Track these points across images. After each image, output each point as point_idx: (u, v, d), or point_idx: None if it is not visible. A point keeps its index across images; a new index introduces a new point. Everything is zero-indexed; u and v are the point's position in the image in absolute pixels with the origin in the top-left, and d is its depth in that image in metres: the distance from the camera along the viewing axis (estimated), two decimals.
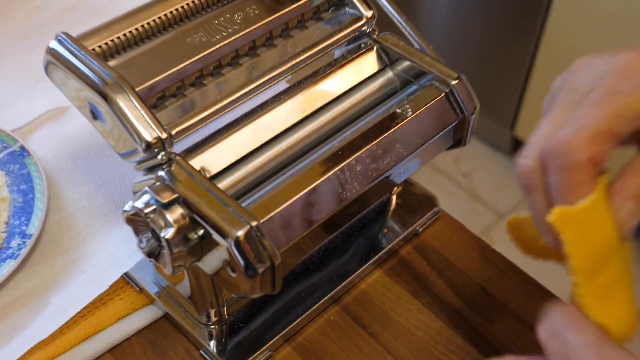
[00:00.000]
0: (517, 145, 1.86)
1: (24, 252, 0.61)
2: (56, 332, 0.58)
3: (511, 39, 1.65)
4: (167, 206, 0.49)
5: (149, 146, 0.50)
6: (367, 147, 0.54)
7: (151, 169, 0.52)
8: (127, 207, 0.51)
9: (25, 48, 0.83)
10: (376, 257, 0.65)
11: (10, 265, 0.60)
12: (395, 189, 0.69)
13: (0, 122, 0.73)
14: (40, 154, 0.69)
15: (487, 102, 1.77)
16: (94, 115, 0.53)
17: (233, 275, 0.49)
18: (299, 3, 0.60)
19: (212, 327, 0.59)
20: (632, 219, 0.43)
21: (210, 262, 0.51)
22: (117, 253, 0.63)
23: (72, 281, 0.61)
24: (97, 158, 0.70)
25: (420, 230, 0.68)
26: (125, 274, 0.62)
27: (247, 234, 0.47)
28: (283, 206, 0.50)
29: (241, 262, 0.48)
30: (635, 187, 0.43)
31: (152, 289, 0.61)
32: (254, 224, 0.48)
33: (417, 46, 0.61)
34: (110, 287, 0.61)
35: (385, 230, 0.67)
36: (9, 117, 0.74)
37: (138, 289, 0.62)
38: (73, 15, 0.87)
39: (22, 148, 0.68)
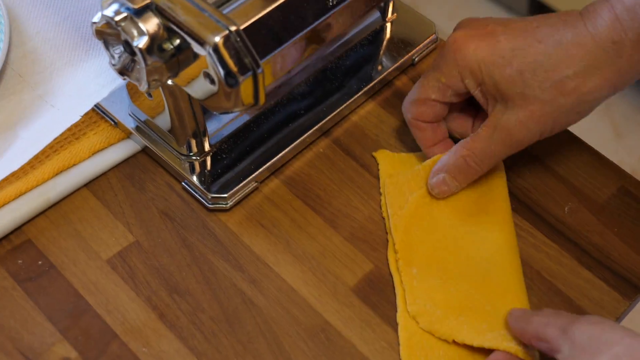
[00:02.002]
0: (535, 5, 1.86)
1: None
2: (26, 167, 0.62)
3: None
4: (140, 13, 0.52)
5: None
6: None
7: None
8: (95, 19, 0.53)
9: None
10: (368, 86, 0.68)
11: None
12: (389, 15, 0.71)
13: None
14: None
15: None
16: None
17: (213, 87, 0.52)
18: None
19: (194, 158, 0.63)
20: (441, 186, 0.61)
21: (188, 78, 0.54)
22: (88, 86, 0.66)
23: (40, 115, 0.64)
24: None
25: (416, 59, 0.71)
26: (97, 106, 0.65)
27: (225, 40, 0.50)
28: (264, 11, 0.53)
29: (221, 70, 0.51)
30: (449, 161, 0.60)
31: (129, 123, 0.65)
32: (233, 28, 0.50)
33: None
34: (83, 121, 0.64)
35: (379, 59, 0.70)
36: None
37: (113, 123, 0.65)
38: None
39: None
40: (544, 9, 1.82)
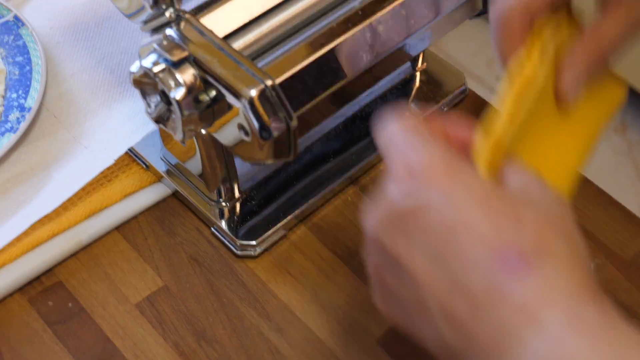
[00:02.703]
0: None
1: (23, 125, 0.65)
2: (59, 209, 0.63)
3: None
4: (177, 65, 0.53)
5: (156, 2, 0.53)
6: (387, 9, 0.57)
7: (159, 29, 0.56)
8: (134, 68, 0.55)
9: None
10: None
11: (9, 139, 0.64)
12: (419, 65, 0.72)
13: None
14: (35, 25, 0.73)
15: None
16: None
17: (247, 139, 0.53)
18: None
19: (224, 204, 0.64)
20: (576, 82, 0.49)
21: (223, 128, 0.55)
22: (122, 128, 0.67)
23: (74, 157, 0.66)
24: (97, 30, 0.73)
25: (446, 109, 0.71)
26: (130, 150, 0.66)
27: (261, 93, 0.51)
28: (299, 66, 0.54)
29: (255, 123, 0.52)
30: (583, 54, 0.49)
31: (160, 166, 0.66)
32: (269, 83, 0.51)
33: None
34: (115, 164, 0.65)
35: (408, 109, 0.70)
36: None
37: (145, 166, 0.66)
38: None
39: (17, 18, 0.71)
40: None
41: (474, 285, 0.39)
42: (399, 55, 0.60)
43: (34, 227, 0.61)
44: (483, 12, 0.63)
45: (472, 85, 1.92)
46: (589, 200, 0.66)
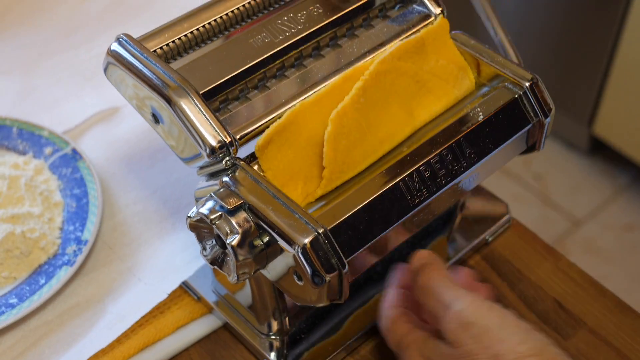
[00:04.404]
0: (595, 144, 1.88)
1: (79, 258, 0.67)
2: (114, 342, 0.64)
3: (590, 23, 1.68)
4: (233, 212, 0.55)
5: (213, 151, 0.56)
6: (436, 152, 0.59)
7: (214, 175, 0.58)
8: (191, 214, 0.57)
9: (72, 44, 0.90)
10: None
11: (67, 272, 0.67)
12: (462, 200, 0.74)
13: (49, 122, 0.80)
14: (92, 157, 0.76)
15: (563, 95, 1.80)
16: (156, 119, 0.59)
17: (299, 283, 0.55)
18: (364, 0, 0.65)
19: (273, 337, 0.65)
20: None
21: (275, 270, 0.57)
22: (174, 260, 0.69)
23: (128, 289, 0.68)
24: (151, 162, 0.76)
25: (489, 239, 0.73)
26: (183, 282, 0.68)
27: (314, 241, 0.53)
28: (350, 213, 0.56)
29: (308, 269, 0.53)
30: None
31: (211, 298, 0.67)
32: (321, 230, 0.53)
33: (495, 39, 0.66)
34: (168, 295, 0.67)
35: (453, 240, 0.72)
36: (58, 118, 0.81)
37: (196, 297, 0.68)
38: (120, 8, 0.93)
39: (74, 151, 0.75)
40: (604, 147, 1.84)
41: None
42: (450, 194, 0.61)
43: None
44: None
45: (508, 183, 1.91)
46: (610, 310, 0.68)
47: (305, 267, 0.53)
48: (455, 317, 0.55)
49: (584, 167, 1.92)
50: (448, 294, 0.56)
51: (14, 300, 0.66)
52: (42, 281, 0.67)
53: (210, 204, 0.56)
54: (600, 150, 1.90)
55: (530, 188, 1.88)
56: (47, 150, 0.75)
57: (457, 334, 0.54)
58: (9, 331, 0.65)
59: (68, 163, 0.74)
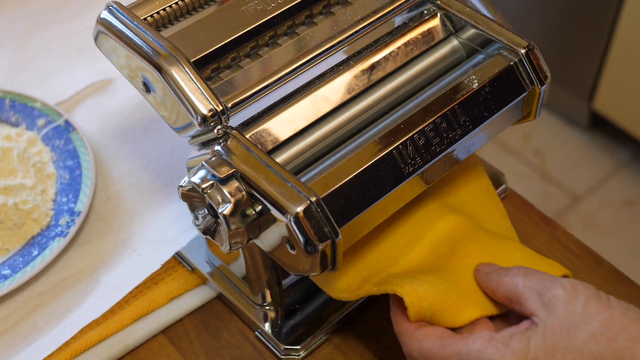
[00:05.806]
0: (595, 120, 1.87)
1: (73, 230, 0.67)
2: (107, 312, 0.64)
3: None
4: (225, 181, 0.54)
5: (205, 120, 0.55)
6: (430, 120, 0.58)
7: (206, 144, 0.58)
8: (183, 183, 0.56)
9: (64, 17, 0.89)
10: None
11: (60, 244, 0.66)
12: None
13: (42, 94, 0.79)
14: (85, 129, 0.75)
15: (562, 70, 1.79)
16: (147, 87, 0.59)
17: (292, 252, 0.54)
18: None
19: (268, 308, 0.65)
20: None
21: (268, 240, 0.56)
22: (168, 231, 0.69)
23: (122, 260, 0.67)
24: (144, 133, 0.75)
25: None
26: (176, 253, 0.68)
27: (306, 210, 0.52)
28: (343, 181, 0.55)
29: (301, 238, 0.53)
30: None
31: (205, 269, 0.67)
32: (313, 199, 0.53)
33: (484, 11, 0.65)
34: (162, 266, 0.67)
35: None
36: (51, 90, 0.80)
37: (190, 268, 0.68)
38: None
39: (67, 122, 0.74)
40: (604, 123, 1.83)
41: None
42: (444, 163, 0.61)
43: (82, 331, 0.63)
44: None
45: (507, 158, 1.91)
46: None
47: (297, 236, 0.53)
48: (569, 283, 0.52)
49: (583, 142, 1.91)
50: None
51: (7, 272, 0.65)
52: (35, 253, 0.66)
53: (202, 172, 0.55)
54: (600, 126, 1.89)
55: (529, 164, 1.87)
56: (40, 122, 0.75)
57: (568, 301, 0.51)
58: (2, 303, 0.65)
59: (61, 135, 0.74)
